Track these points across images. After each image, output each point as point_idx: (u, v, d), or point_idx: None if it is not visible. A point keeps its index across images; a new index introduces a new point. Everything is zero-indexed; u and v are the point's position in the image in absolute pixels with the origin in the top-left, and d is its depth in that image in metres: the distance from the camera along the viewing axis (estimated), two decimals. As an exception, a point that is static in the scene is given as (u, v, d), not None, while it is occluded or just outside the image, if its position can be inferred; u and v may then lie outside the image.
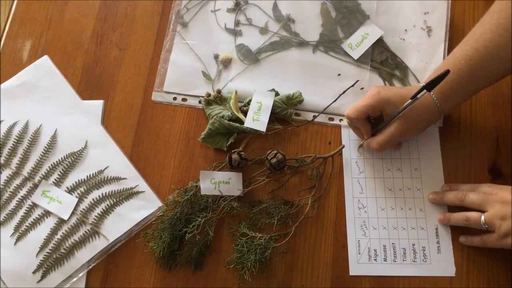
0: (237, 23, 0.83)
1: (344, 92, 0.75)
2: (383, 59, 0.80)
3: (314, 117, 0.77)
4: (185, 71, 0.81)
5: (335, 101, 0.75)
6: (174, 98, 0.79)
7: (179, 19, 0.83)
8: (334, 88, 0.79)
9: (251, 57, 0.81)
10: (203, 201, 0.71)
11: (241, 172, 0.73)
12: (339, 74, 0.80)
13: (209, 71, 0.81)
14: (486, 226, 0.65)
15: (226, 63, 0.81)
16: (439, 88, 0.65)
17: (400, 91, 0.70)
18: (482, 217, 0.66)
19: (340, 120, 0.77)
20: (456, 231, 0.71)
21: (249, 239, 0.69)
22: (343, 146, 0.75)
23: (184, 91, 0.80)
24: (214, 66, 0.81)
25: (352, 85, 0.76)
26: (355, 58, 0.80)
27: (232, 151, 0.72)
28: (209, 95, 0.77)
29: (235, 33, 0.83)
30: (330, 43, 0.81)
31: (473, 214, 0.67)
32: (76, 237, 0.72)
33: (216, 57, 0.82)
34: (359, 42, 0.81)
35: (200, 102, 0.79)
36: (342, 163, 0.75)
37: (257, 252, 0.67)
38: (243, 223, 0.70)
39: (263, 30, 0.83)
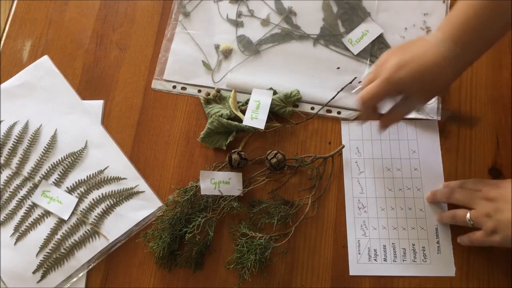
0: (239, 14, 0.84)
1: (342, 89, 0.77)
2: (382, 55, 0.80)
3: (313, 109, 0.78)
4: (186, 60, 0.81)
5: (333, 98, 0.77)
6: (174, 87, 0.80)
7: (181, 8, 0.84)
8: (333, 81, 0.79)
9: (251, 48, 0.82)
10: (203, 201, 0.71)
11: (241, 172, 0.72)
12: (338, 68, 0.80)
13: (209, 61, 0.81)
14: (472, 223, 0.65)
15: (227, 54, 0.81)
16: (455, 35, 0.59)
17: (417, 66, 0.59)
18: (468, 215, 0.65)
19: (338, 112, 0.78)
20: (456, 231, 0.71)
21: (249, 239, 0.69)
22: (343, 146, 0.75)
23: (184, 80, 0.80)
24: (215, 56, 0.82)
25: (350, 82, 0.77)
26: (355, 54, 0.80)
27: (232, 151, 0.72)
28: (208, 94, 0.78)
29: (237, 24, 0.83)
30: (330, 37, 0.82)
31: (459, 212, 0.67)
32: (76, 237, 0.72)
33: (216, 47, 0.82)
34: (359, 38, 0.81)
35: (199, 91, 0.79)
36: (342, 163, 0.75)
37: (257, 252, 0.67)
38: (243, 223, 0.70)
39: (265, 22, 0.83)
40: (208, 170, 0.73)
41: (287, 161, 0.73)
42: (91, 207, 0.73)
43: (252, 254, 0.67)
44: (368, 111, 0.66)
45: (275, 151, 0.72)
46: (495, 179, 0.73)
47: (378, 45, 0.81)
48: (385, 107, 0.67)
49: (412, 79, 0.60)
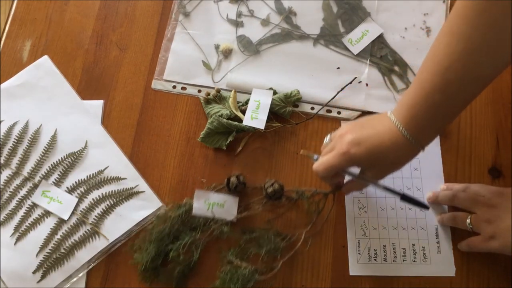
0: (239, 14, 0.84)
1: (342, 89, 0.77)
2: (382, 55, 0.80)
3: (312, 109, 0.78)
4: (186, 60, 0.81)
5: (333, 98, 0.77)
6: (174, 87, 0.80)
7: (181, 8, 0.84)
8: (333, 81, 0.79)
9: (251, 48, 0.82)
10: (194, 220, 0.69)
11: (237, 197, 0.71)
12: (338, 68, 0.80)
13: (209, 61, 0.81)
14: (471, 227, 0.66)
15: (227, 54, 0.81)
16: (408, 121, 0.57)
17: (373, 146, 0.59)
18: (468, 218, 0.66)
19: (338, 112, 0.78)
20: (456, 231, 0.71)
21: (233, 268, 0.66)
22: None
23: (184, 80, 0.80)
24: (215, 56, 0.82)
25: (350, 82, 0.78)
26: (355, 54, 0.81)
27: (232, 174, 0.71)
28: (208, 94, 0.78)
29: (237, 24, 0.83)
30: (330, 37, 0.82)
31: (459, 214, 0.68)
32: (76, 237, 0.72)
33: (216, 47, 0.82)
34: (359, 38, 0.81)
35: (199, 91, 0.79)
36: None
37: (238, 282, 0.64)
38: (231, 250, 0.68)
39: (265, 22, 0.83)
40: (205, 190, 0.71)
41: (287, 192, 0.71)
42: (91, 207, 0.73)
43: (233, 283, 0.64)
44: (325, 180, 0.67)
45: (273, 180, 0.70)
46: (495, 180, 0.73)
47: (378, 45, 0.81)
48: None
49: (366, 157, 0.59)
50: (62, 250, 0.71)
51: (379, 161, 0.60)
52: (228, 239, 0.70)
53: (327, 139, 0.67)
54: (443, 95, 0.55)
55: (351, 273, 0.70)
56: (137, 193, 0.74)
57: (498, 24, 0.50)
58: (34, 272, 0.70)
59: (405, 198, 0.64)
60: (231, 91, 0.78)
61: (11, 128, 0.77)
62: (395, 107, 0.60)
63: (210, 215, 0.69)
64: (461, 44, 0.52)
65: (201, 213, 0.69)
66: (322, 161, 0.63)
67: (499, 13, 0.49)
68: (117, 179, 0.74)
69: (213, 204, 0.70)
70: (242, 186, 0.70)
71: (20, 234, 0.72)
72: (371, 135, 0.60)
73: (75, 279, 0.70)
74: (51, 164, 0.75)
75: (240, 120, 0.75)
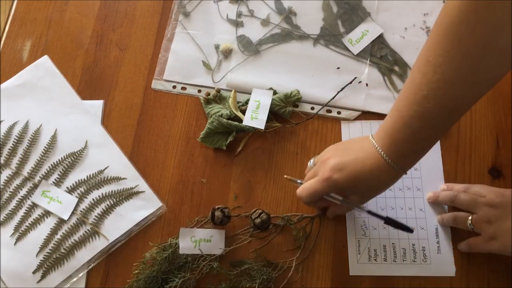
0: (239, 14, 0.84)
1: (342, 89, 0.77)
2: (382, 55, 0.80)
3: (312, 109, 0.78)
4: (186, 60, 0.81)
5: (333, 98, 0.77)
6: (174, 87, 0.80)
7: (181, 8, 0.84)
8: (333, 81, 0.79)
9: (251, 48, 0.82)
10: (182, 259, 0.68)
11: (224, 230, 0.70)
12: (338, 68, 0.80)
13: (209, 61, 0.81)
14: (472, 227, 0.66)
15: (227, 54, 0.81)
16: (388, 147, 0.58)
17: (355, 171, 0.59)
18: (469, 219, 0.66)
19: (338, 112, 0.78)
20: (456, 231, 0.71)
21: None
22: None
23: (184, 80, 0.80)
24: (215, 56, 0.82)
25: (350, 82, 0.78)
26: (355, 54, 0.81)
27: (216, 207, 0.69)
28: (208, 94, 0.78)
29: (237, 24, 0.83)
30: (330, 37, 0.82)
31: (460, 214, 0.68)
32: (76, 237, 0.72)
33: (216, 47, 0.82)
34: (359, 38, 0.81)
35: (199, 91, 0.79)
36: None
37: None
38: (222, 284, 0.67)
39: (265, 22, 0.83)
40: (189, 227, 0.70)
41: (273, 218, 0.71)
42: (91, 207, 0.73)
43: None
44: (309, 205, 0.69)
45: (260, 211, 0.69)
46: (495, 180, 0.73)
47: (378, 45, 0.81)
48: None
49: (349, 182, 0.60)
50: (62, 250, 0.71)
51: (362, 186, 0.61)
52: (218, 274, 0.68)
53: (311, 163, 0.68)
54: (421, 123, 0.55)
55: (351, 273, 0.70)
56: (137, 193, 0.74)
57: (472, 57, 0.50)
58: (34, 272, 0.70)
59: (389, 221, 0.65)
60: (231, 91, 0.78)
61: (11, 128, 0.77)
62: (377, 131, 0.60)
63: (198, 252, 0.68)
64: (437, 75, 0.52)
65: (188, 252, 0.67)
66: (305, 187, 0.64)
67: (472, 45, 0.49)
68: (117, 179, 0.74)
69: (199, 240, 0.68)
70: (227, 219, 0.69)
71: (20, 234, 0.72)
72: (353, 160, 0.60)
73: (75, 279, 0.70)
74: (51, 164, 0.75)
75: (240, 120, 0.75)
